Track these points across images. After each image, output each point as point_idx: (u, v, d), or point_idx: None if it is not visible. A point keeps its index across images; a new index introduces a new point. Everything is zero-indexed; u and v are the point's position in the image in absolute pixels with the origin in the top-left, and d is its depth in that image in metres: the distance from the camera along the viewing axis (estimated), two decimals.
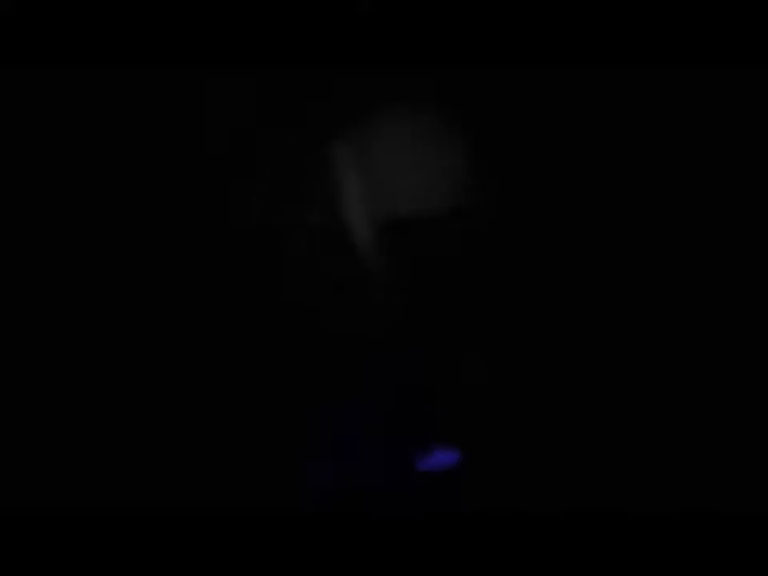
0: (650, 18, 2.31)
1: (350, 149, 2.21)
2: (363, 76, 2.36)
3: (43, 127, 2.39)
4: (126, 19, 2.34)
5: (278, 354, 2.33)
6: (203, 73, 2.38)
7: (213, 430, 2.28)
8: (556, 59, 2.34)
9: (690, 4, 2.30)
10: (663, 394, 2.25)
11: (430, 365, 2.24)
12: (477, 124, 2.38)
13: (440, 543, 2.13)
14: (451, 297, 2.32)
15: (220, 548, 2.16)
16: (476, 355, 2.23)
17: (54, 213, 2.37)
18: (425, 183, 2.37)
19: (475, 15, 2.34)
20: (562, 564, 2.10)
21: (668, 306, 2.30)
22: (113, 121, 2.39)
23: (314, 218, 2.36)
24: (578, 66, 2.35)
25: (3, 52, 2.34)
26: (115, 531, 2.16)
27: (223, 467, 2.25)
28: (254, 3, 2.34)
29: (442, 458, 2.16)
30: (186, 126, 2.40)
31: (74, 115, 2.39)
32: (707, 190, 2.32)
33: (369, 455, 2.17)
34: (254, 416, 2.29)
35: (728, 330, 2.27)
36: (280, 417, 2.29)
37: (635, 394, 2.26)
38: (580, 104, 2.36)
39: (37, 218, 2.36)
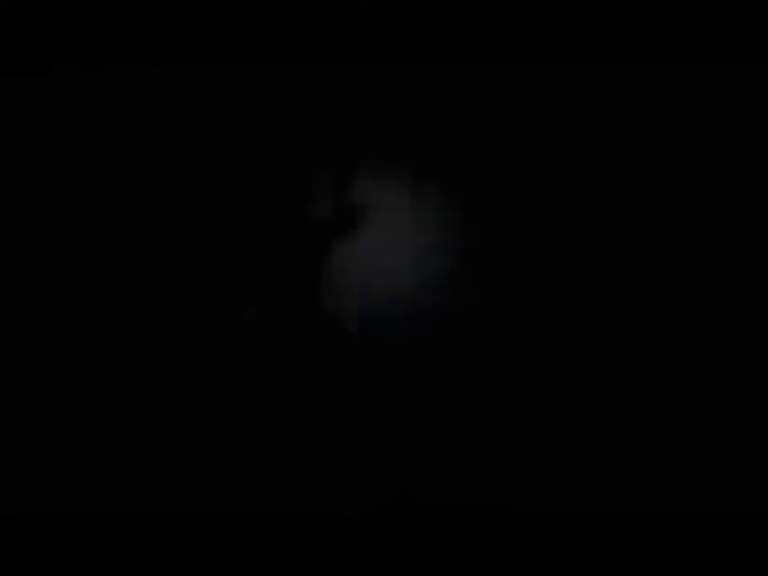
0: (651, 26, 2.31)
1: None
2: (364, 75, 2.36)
3: (43, 127, 2.39)
4: (127, 19, 2.34)
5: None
6: (200, 73, 2.37)
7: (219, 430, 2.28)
8: (561, 61, 2.34)
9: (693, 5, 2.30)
10: (664, 396, 2.25)
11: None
12: (480, 128, 2.38)
13: (444, 542, 2.13)
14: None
15: (223, 549, 2.15)
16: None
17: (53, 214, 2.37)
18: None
19: (478, 15, 2.34)
20: (562, 564, 2.10)
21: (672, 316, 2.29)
22: (112, 121, 2.39)
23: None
24: (585, 67, 2.35)
25: (3, 52, 2.34)
26: (115, 532, 2.16)
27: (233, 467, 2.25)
28: (252, 3, 2.34)
29: None
30: (180, 128, 2.40)
31: (75, 115, 2.38)
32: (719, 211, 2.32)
33: None
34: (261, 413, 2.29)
35: (730, 342, 2.27)
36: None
37: (637, 397, 2.25)
38: (586, 107, 2.36)
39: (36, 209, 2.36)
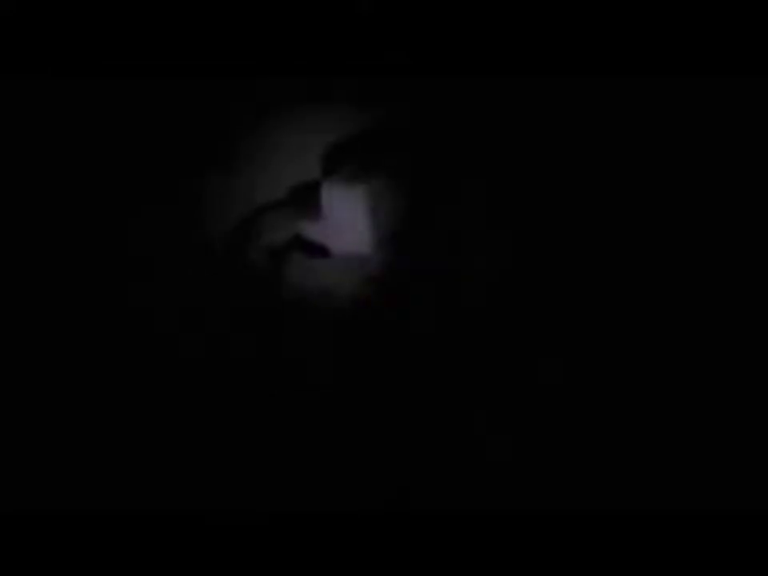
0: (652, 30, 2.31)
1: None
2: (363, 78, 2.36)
3: (43, 127, 2.39)
4: (127, 21, 2.34)
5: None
6: (199, 75, 2.38)
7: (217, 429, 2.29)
8: (563, 68, 2.33)
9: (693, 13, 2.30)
10: (665, 398, 2.25)
11: None
12: (480, 132, 2.38)
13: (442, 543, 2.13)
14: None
15: (221, 548, 2.16)
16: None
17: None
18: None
19: (478, 17, 2.34)
20: (562, 564, 2.10)
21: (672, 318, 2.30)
22: (112, 121, 2.40)
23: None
24: (585, 76, 2.34)
25: (3, 52, 2.34)
26: (115, 530, 2.16)
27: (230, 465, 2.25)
28: (251, 3, 2.34)
29: None
30: (178, 129, 2.40)
31: (75, 115, 2.39)
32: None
33: None
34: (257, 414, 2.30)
35: (731, 342, 2.28)
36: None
37: (638, 398, 2.26)
38: (589, 114, 2.36)
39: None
